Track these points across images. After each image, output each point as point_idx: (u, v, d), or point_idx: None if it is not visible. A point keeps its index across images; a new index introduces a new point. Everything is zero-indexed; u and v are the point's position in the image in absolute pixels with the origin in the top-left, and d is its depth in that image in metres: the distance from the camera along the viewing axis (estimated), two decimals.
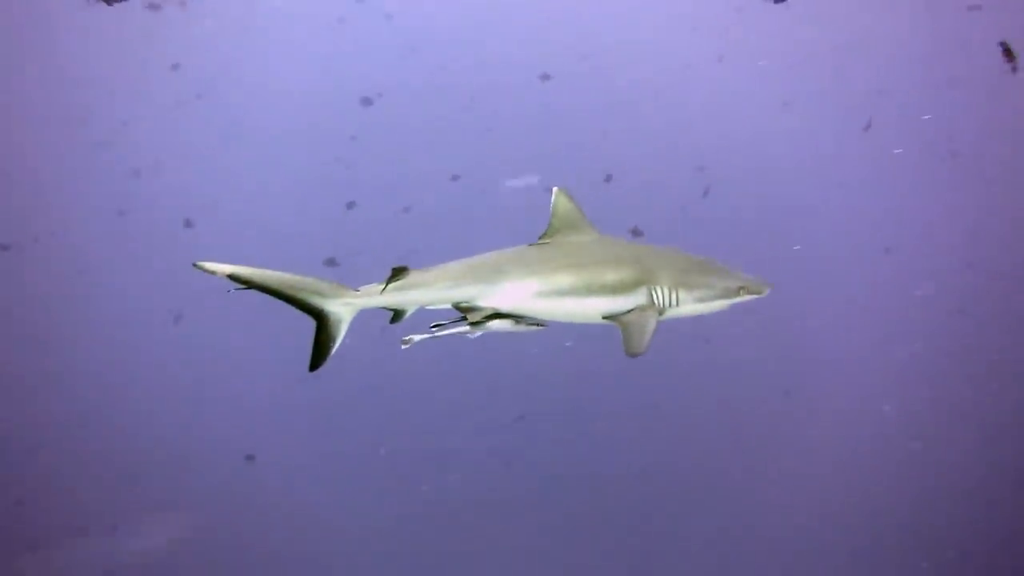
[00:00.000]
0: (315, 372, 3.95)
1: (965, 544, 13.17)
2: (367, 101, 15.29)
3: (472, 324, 4.16)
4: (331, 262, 12.98)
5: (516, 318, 4.19)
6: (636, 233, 4.67)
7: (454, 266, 4.29)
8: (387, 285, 4.06)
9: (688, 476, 13.46)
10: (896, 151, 14.96)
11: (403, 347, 4.15)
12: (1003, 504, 13.66)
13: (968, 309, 15.59)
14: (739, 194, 15.52)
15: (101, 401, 13.63)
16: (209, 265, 3.82)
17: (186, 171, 15.40)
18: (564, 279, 4.16)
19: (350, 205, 14.58)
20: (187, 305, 14.39)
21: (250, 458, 12.90)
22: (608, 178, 13.26)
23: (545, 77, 15.70)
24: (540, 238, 4.51)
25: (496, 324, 4.19)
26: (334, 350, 4.12)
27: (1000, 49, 7.69)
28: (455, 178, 15.08)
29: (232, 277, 3.87)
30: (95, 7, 9.86)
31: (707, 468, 13.45)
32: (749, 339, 12.77)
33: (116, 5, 9.82)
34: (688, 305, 4.20)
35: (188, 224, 13.81)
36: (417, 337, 4.15)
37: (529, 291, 4.13)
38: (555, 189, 4.51)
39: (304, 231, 14.30)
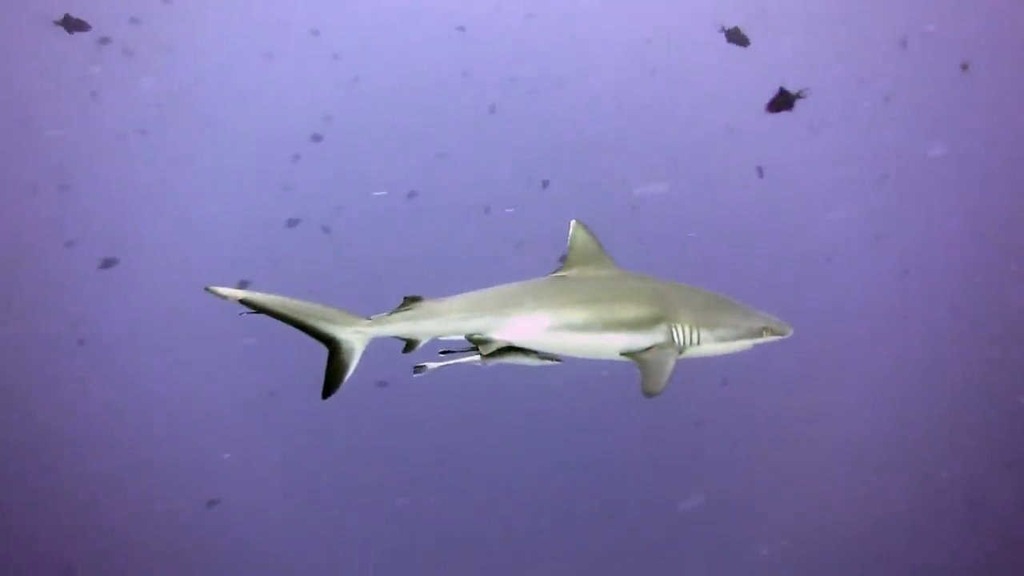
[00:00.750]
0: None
1: (905, 530, 13.74)
2: (317, 137, 15.49)
3: (484, 356, 4.05)
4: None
5: (529, 352, 4.02)
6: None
7: (467, 297, 4.12)
8: (393, 313, 3.98)
9: (633, 461, 13.91)
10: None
11: (415, 375, 4.05)
12: (936, 500, 14.32)
13: (908, 310, 16.41)
14: (671, 207, 16.10)
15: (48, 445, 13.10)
16: (221, 290, 3.65)
17: (129, 200, 15.16)
18: (578, 314, 3.96)
19: (291, 222, 14.39)
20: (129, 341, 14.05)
21: (213, 503, 12.35)
22: (545, 184, 14.40)
23: (492, 108, 16.39)
24: (557, 271, 4.29)
25: (510, 357, 4.04)
26: (347, 378, 3.93)
27: (778, 95, 7.84)
28: (412, 195, 15.47)
29: (244, 302, 3.71)
30: (53, 32, 9.56)
31: (650, 454, 13.86)
32: None
33: (75, 34, 9.52)
34: (709, 344, 4.00)
35: (106, 264, 13.24)
36: (432, 365, 3.98)
37: (541, 325, 3.95)
38: (573, 222, 4.29)
39: (258, 246, 14.18)
